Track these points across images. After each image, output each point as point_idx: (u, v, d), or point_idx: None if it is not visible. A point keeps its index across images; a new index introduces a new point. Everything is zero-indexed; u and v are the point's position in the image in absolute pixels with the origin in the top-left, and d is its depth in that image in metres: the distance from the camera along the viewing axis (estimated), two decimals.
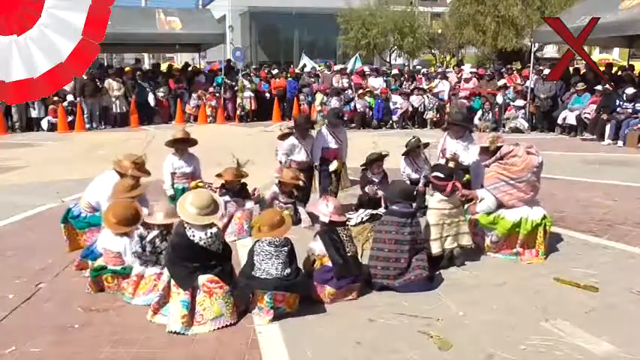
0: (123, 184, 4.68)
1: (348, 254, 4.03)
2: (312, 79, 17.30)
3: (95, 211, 4.95)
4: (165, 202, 4.20)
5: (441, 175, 4.67)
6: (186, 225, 3.68)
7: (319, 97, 15.46)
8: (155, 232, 3.99)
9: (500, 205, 4.90)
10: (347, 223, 4.24)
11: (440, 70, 19.26)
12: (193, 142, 6.38)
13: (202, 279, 3.63)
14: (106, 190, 4.82)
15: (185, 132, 6.36)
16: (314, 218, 5.17)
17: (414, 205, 4.54)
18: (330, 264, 3.97)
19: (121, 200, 4.43)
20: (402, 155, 6.26)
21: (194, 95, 16.53)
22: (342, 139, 6.42)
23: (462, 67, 19.92)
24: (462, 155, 5.71)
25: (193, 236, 3.63)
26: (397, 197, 4.35)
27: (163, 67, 20.27)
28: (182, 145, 6.30)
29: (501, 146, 4.94)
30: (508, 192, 4.84)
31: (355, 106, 15.46)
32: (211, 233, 3.69)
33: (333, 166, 6.28)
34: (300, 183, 5.99)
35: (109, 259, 4.17)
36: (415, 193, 5.57)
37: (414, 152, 6.18)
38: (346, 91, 15.80)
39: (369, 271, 4.20)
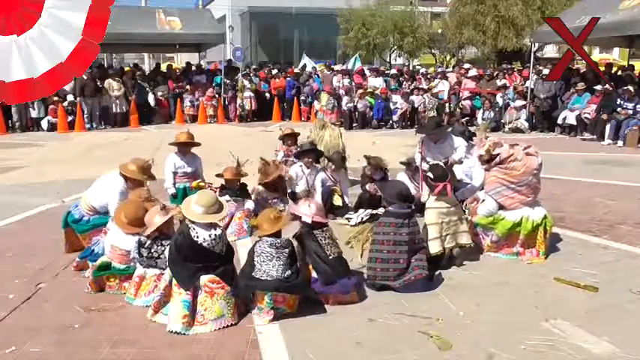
0: (138, 195, 4.67)
1: (330, 257, 3.93)
2: (310, 80, 17.33)
3: (97, 214, 4.91)
4: (157, 206, 4.20)
5: (431, 176, 4.68)
6: (190, 225, 3.68)
7: (324, 97, 15.44)
8: (150, 239, 4.00)
9: (502, 208, 4.90)
10: (328, 225, 4.17)
11: (440, 70, 19.25)
12: (196, 144, 6.44)
13: (204, 279, 3.62)
14: (113, 194, 4.80)
15: (189, 134, 6.39)
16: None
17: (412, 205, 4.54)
18: (315, 274, 3.93)
19: (133, 200, 4.41)
20: (400, 162, 6.26)
21: (189, 95, 16.52)
22: (338, 179, 6.41)
23: (464, 65, 19.92)
24: (449, 155, 5.67)
25: (197, 237, 3.63)
26: (394, 198, 4.34)
27: (163, 67, 20.30)
28: (186, 147, 6.34)
29: (498, 154, 4.89)
30: (509, 196, 4.82)
31: (356, 106, 15.47)
32: (215, 235, 3.69)
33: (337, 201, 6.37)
34: (282, 173, 6.08)
35: (115, 256, 4.17)
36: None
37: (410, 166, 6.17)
38: (351, 91, 15.77)
39: (369, 273, 4.19)
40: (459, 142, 5.78)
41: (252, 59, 32.18)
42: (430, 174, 4.71)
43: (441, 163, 5.12)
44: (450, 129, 6.19)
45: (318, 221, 4.02)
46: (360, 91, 15.65)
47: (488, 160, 4.91)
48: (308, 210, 4.02)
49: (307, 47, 30.78)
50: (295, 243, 4.02)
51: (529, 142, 5.18)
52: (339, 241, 4.18)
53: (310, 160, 6.22)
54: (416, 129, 6.49)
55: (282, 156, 7.08)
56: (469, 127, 6.72)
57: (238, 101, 16.73)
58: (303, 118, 16.54)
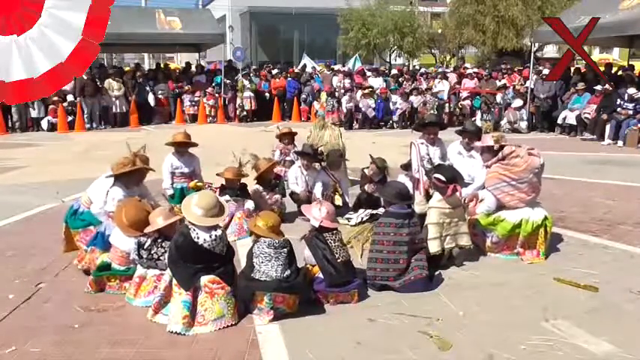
0: (119, 162, 4.65)
1: (339, 260, 3.93)
2: (311, 80, 17.36)
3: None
4: (165, 206, 4.18)
5: (443, 178, 4.63)
6: (190, 226, 3.67)
7: (324, 97, 15.48)
8: (150, 240, 3.99)
9: (501, 206, 4.90)
10: (338, 229, 4.15)
11: (440, 70, 19.25)
12: (193, 145, 6.41)
13: (204, 279, 3.62)
14: (101, 193, 4.79)
15: (186, 135, 6.37)
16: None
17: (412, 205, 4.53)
18: (321, 275, 3.93)
19: (134, 202, 4.36)
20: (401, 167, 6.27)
21: (188, 95, 16.52)
22: (338, 178, 6.42)
23: (465, 64, 19.94)
24: (447, 158, 5.66)
25: (197, 238, 3.62)
26: (393, 198, 4.34)
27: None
28: (182, 147, 6.33)
29: (504, 146, 4.94)
30: (509, 193, 4.85)
31: (357, 105, 15.47)
32: (215, 236, 3.68)
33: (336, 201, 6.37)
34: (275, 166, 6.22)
35: (115, 257, 4.17)
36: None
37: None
38: (351, 92, 15.76)
39: (369, 273, 4.19)
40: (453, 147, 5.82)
41: (252, 59, 32.16)
42: (440, 176, 4.63)
43: (446, 164, 5.10)
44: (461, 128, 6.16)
45: (326, 226, 4.01)
46: (366, 91, 15.60)
47: (494, 153, 4.92)
48: (318, 214, 4.02)
49: (307, 47, 30.79)
50: (305, 250, 4.03)
51: (529, 142, 5.20)
52: None
53: (306, 162, 6.21)
54: (413, 126, 6.45)
55: (278, 155, 7.09)
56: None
57: (238, 101, 16.73)
58: (303, 118, 16.54)
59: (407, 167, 6.07)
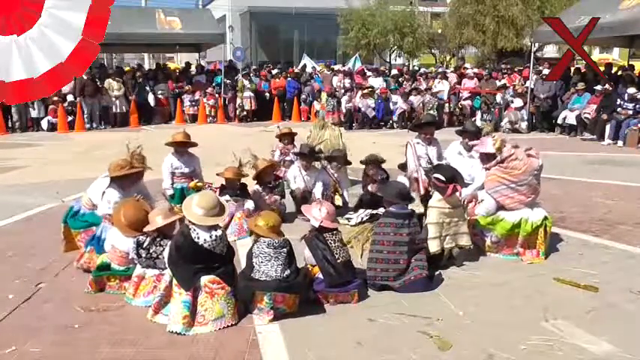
0: (116, 163, 4.65)
1: (339, 260, 3.93)
2: (311, 80, 17.38)
3: (95, 209, 4.92)
4: (164, 205, 4.18)
5: (443, 178, 4.62)
6: (191, 226, 3.67)
7: (324, 97, 15.51)
8: (149, 239, 3.98)
9: (501, 208, 4.89)
10: (338, 229, 4.14)
11: (440, 70, 19.27)
12: (193, 144, 6.41)
13: (204, 279, 3.62)
14: (100, 194, 4.80)
15: (185, 134, 6.36)
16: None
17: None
18: (321, 275, 3.93)
19: (133, 202, 4.36)
20: (398, 167, 6.29)
21: (188, 95, 16.53)
22: (338, 178, 6.45)
23: (465, 65, 19.96)
24: (442, 157, 5.67)
25: (198, 238, 3.62)
26: (394, 198, 4.33)
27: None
28: (182, 147, 6.32)
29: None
30: (509, 196, 4.82)
31: (357, 106, 15.48)
32: (216, 236, 3.68)
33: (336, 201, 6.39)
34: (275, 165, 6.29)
35: (114, 257, 4.16)
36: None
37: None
38: (351, 92, 15.77)
39: (369, 274, 4.18)
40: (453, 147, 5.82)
41: (252, 59, 32.14)
42: (440, 176, 4.61)
43: (444, 164, 5.09)
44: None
45: (326, 226, 4.00)
46: (366, 91, 15.61)
47: (490, 158, 4.90)
48: (318, 214, 4.02)
49: (307, 47, 30.79)
50: (305, 250, 4.03)
51: (529, 142, 5.19)
52: None
53: (305, 163, 6.20)
54: (410, 126, 6.49)
55: (278, 155, 7.09)
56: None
57: (238, 101, 16.73)
58: (303, 118, 16.55)
59: (403, 167, 6.09)
